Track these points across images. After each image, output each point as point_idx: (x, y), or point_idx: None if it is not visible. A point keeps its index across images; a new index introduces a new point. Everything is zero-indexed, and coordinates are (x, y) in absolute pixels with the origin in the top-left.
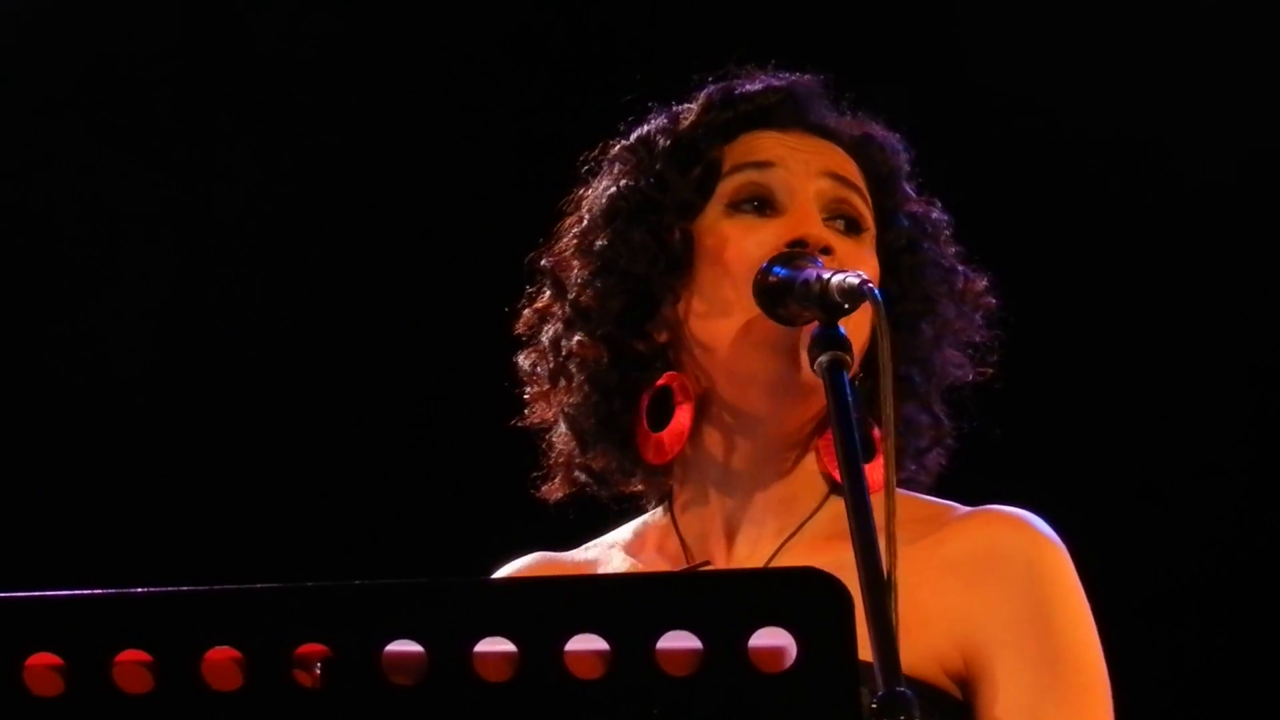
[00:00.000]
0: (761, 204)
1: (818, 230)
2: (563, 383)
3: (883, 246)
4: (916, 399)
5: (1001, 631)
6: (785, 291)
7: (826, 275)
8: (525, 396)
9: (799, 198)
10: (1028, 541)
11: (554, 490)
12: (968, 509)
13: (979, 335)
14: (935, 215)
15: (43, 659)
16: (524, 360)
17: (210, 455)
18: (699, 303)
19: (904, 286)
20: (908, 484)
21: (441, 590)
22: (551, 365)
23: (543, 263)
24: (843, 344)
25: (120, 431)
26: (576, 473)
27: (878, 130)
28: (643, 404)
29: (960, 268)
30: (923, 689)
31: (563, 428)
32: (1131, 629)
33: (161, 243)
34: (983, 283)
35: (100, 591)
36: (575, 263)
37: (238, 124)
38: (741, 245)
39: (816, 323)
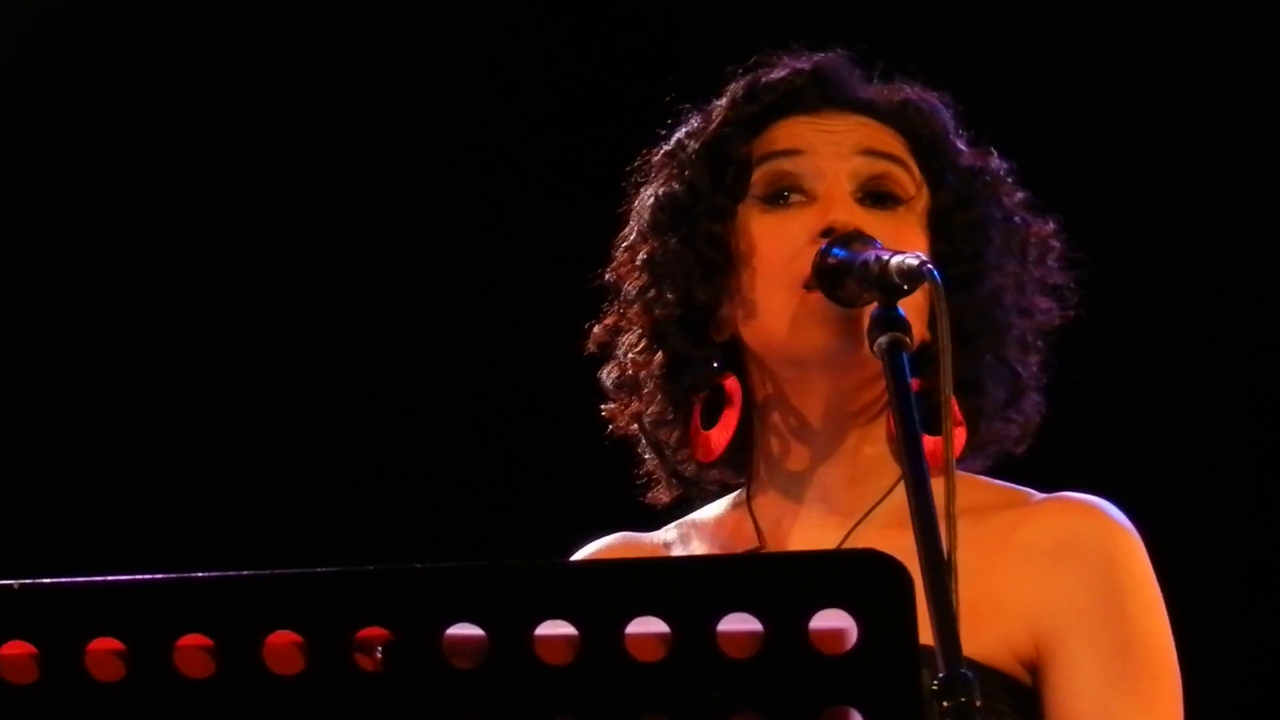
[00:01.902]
0: (791, 193)
1: (845, 215)
2: (638, 394)
3: (934, 208)
4: (984, 357)
5: (1075, 619)
6: (844, 273)
7: (885, 256)
8: (604, 411)
9: (829, 182)
10: (1103, 530)
11: (660, 495)
12: (1043, 495)
13: (1052, 278)
14: (992, 165)
15: (104, 644)
16: (605, 375)
17: (258, 448)
18: (743, 303)
19: (955, 245)
20: (994, 445)
21: (502, 573)
22: (623, 378)
23: (607, 276)
24: (902, 325)
25: (125, 430)
26: (670, 477)
27: (914, 93)
28: (696, 407)
29: (1019, 216)
30: (994, 676)
31: (644, 440)
32: (1203, 621)
33: (163, 242)
34: (1048, 226)
35: (161, 576)
36: (631, 275)
37: (248, 117)
38: (773, 241)
39: (875, 304)
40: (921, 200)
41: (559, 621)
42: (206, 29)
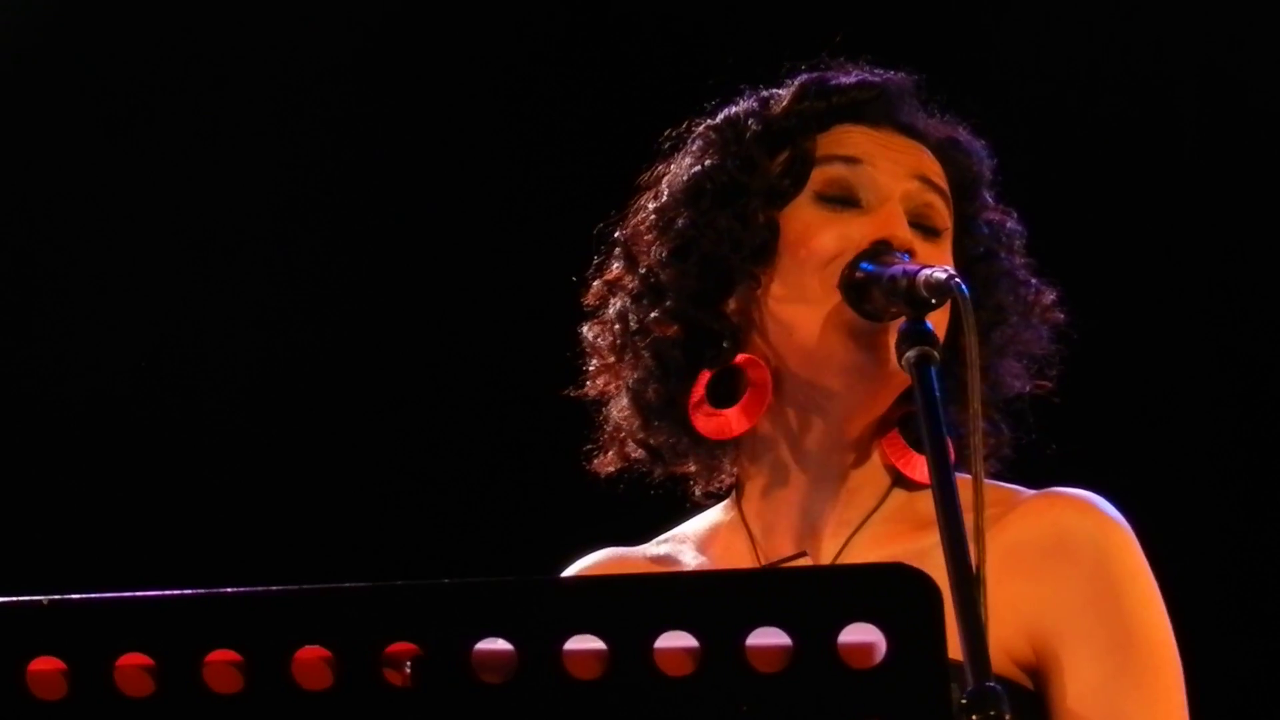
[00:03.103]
0: (847, 200)
1: (904, 233)
2: (628, 356)
3: (959, 251)
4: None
5: (1070, 617)
6: (872, 286)
7: (914, 270)
8: (586, 368)
9: (885, 197)
10: (1093, 524)
11: (605, 464)
12: (1032, 492)
13: (1041, 349)
14: (1010, 225)
15: (133, 659)
16: (589, 331)
17: (265, 459)
18: (779, 288)
19: (978, 294)
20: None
21: (531, 588)
22: (618, 339)
23: (617, 235)
24: (930, 339)
25: (137, 441)
26: (630, 448)
27: (964, 135)
28: (701, 380)
29: (1032, 281)
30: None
31: (624, 401)
32: (1199, 615)
33: (168, 243)
34: (1051, 296)
35: (191, 592)
36: (651, 239)
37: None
38: (827, 237)
39: (903, 319)
40: (949, 238)
41: (587, 636)
42: (208, 28)
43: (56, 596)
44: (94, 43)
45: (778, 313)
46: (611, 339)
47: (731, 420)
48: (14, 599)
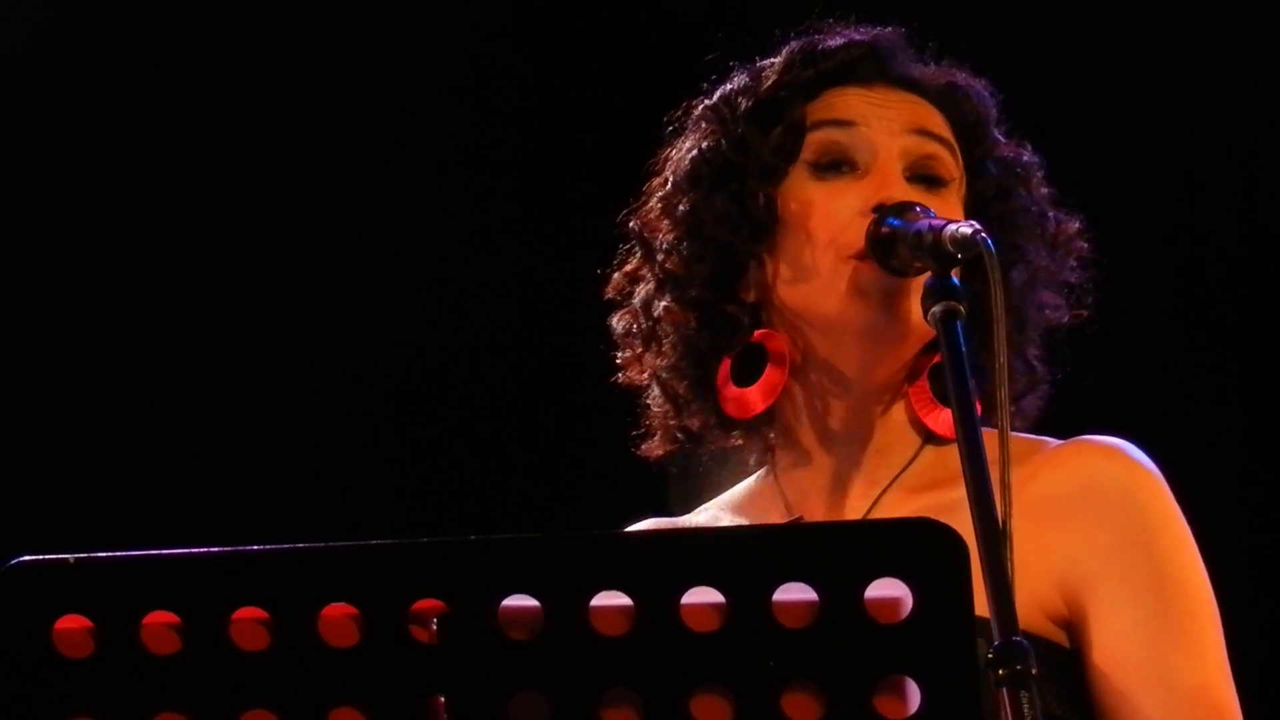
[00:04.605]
0: (843, 164)
1: (900, 193)
2: (654, 345)
3: (973, 195)
4: (1010, 347)
5: (1102, 564)
6: (898, 241)
7: (939, 225)
8: (618, 359)
9: (881, 157)
10: (1122, 470)
11: (654, 448)
12: (1059, 442)
13: (1073, 277)
14: (1025, 159)
15: (159, 617)
16: (617, 322)
17: (293, 428)
18: (785, 268)
19: (994, 234)
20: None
21: (557, 544)
22: (643, 328)
23: (631, 225)
24: (956, 294)
25: (158, 415)
26: (674, 432)
27: (962, 78)
28: (725, 361)
29: (1051, 212)
30: (1028, 639)
31: (655, 391)
32: (1231, 562)
33: (170, 243)
34: (1075, 225)
35: (217, 550)
36: (661, 226)
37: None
38: (826, 209)
39: (928, 274)
40: (960, 185)
41: (614, 592)
42: (210, 27)
43: (83, 555)
44: (94, 42)
45: (787, 293)
46: (636, 328)
47: (752, 397)
48: (41, 557)
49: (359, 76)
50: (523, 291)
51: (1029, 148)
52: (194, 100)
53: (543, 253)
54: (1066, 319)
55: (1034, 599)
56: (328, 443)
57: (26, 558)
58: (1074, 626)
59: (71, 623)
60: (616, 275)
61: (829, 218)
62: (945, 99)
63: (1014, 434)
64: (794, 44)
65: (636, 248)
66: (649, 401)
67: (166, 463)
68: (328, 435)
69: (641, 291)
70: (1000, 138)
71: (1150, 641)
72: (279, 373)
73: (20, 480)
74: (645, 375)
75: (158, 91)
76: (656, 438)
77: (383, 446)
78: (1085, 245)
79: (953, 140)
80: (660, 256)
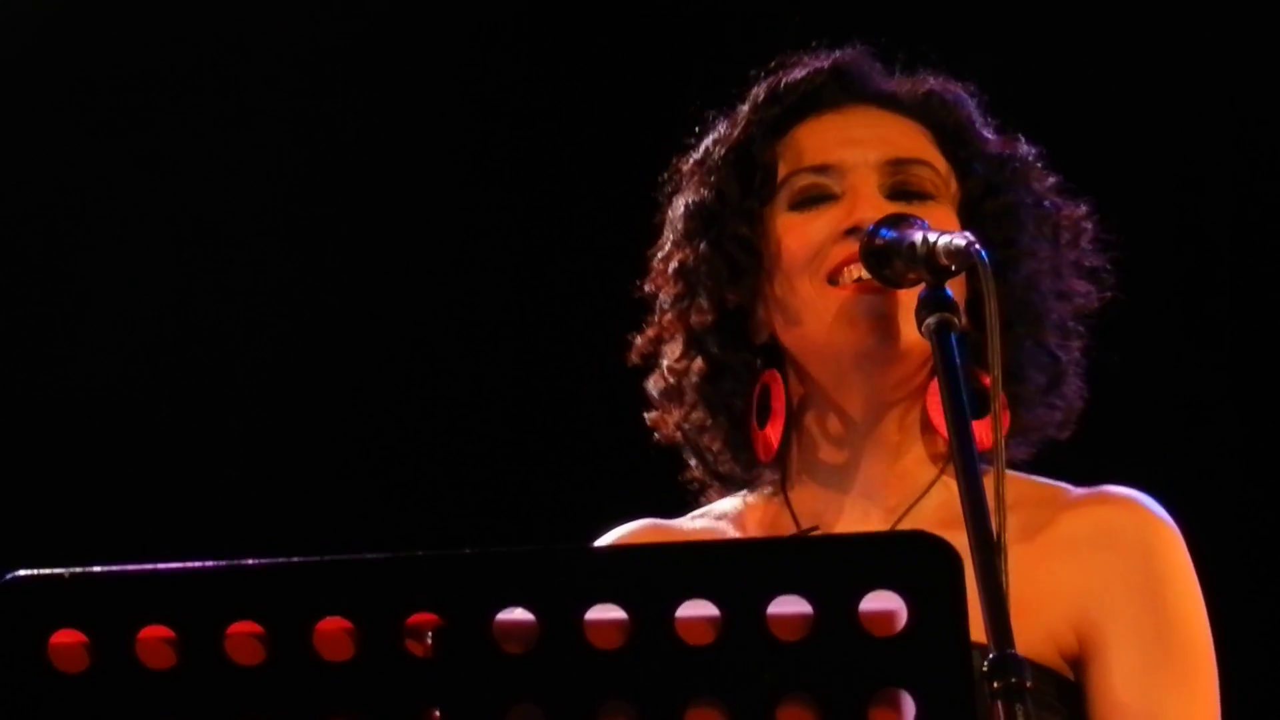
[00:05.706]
0: (819, 199)
1: (875, 213)
2: (678, 401)
3: (964, 196)
4: (1024, 343)
5: (1114, 607)
6: (892, 253)
7: (933, 237)
8: (647, 419)
9: (855, 182)
10: (1142, 521)
11: (713, 497)
12: (1082, 490)
13: (1087, 261)
14: (1019, 151)
15: (155, 631)
16: (650, 385)
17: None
18: (776, 304)
19: (987, 233)
20: (1038, 432)
21: (552, 558)
22: (666, 386)
23: (645, 289)
24: (950, 305)
25: (156, 422)
26: (713, 480)
27: (938, 84)
28: (752, 408)
29: (1049, 200)
30: (1039, 670)
31: (689, 450)
32: (1240, 614)
33: (172, 243)
34: (1080, 209)
35: (212, 564)
36: (666, 284)
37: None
38: (800, 233)
39: (922, 286)
40: (951, 190)
41: (609, 605)
42: (211, 27)
43: (78, 569)
44: (92, 41)
45: (784, 326)
46: (660, 387)
47: (770, 437)
48: (36, 571)
49: (359, 76)
50: (520, 297)
51: (1021, 140)
52: (194, 100)
53: (543, 255)
54: (1095, 303)
55: (1049, 634)
56: (322, 457)
57: (21, 572)
58: (1082, 664)
59: (66, 637)
60: (638, 340)
61: (802, 245)
62: (921, 109)
63: (1036, 479)
64: (760, 84)
65: (651, 311)
66: (688, 455)
67: (161, 476)
68: (322, 448)
69: (666, 351)
70: (988, 135)
71: (1149, 688)
72: (274, 385)
73: (14, 494)
74: (677, 434)
75: (157, 91)
76: (712, 489)
77: (377, 459)
78: (1092, 227)
79: (933, 151)
80: (668, 314)
